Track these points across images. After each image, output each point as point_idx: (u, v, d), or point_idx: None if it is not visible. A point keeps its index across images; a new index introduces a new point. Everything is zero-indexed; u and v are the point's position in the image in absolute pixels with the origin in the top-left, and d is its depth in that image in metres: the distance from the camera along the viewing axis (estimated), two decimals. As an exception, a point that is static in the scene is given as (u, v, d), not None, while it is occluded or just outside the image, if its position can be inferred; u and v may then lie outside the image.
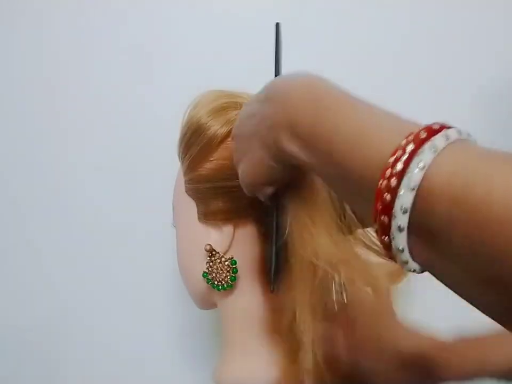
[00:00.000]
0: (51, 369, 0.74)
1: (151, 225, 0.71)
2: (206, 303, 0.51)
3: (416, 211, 0.24)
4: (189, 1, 0.73)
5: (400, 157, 0.24)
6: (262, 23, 0.72)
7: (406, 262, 0.26)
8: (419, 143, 0.24)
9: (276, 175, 0.37)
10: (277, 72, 0.43)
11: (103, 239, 0.73)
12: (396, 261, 0.26)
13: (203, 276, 0.46)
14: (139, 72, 0.72)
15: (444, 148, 0.24)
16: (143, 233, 0.72)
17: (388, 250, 0.26)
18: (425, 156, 0.23)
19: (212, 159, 0.46)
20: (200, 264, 0.46)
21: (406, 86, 0.70)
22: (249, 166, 0.37)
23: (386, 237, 0.25)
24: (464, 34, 0.71)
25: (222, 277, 0.45)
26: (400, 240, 0.25)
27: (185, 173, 0.49)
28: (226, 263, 0.45)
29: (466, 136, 0.25)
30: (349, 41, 0.72)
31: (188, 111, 0.49)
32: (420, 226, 0.24)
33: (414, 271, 0.26)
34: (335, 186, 0.31)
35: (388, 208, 0.24)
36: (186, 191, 0.49)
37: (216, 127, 0.45)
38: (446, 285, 0.25)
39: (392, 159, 0.24)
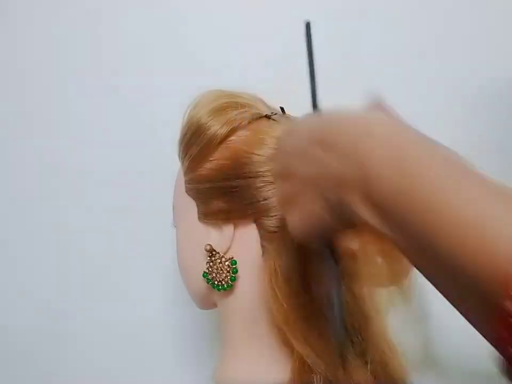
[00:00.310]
0: (50, 369, 0.73)
1: (151, 225, 0.71)
2: (206, 303, 0.51)
3: None
4: (189, 1, 0.73)
5: None
6: (262, 23, 0.72)
7: None
8: None
9: (332, 231, 0.32)
10: (312, 76, 0.38)
11: (103, 238, 0.73)
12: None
13: (203, 276, 0.46)
14: (139, 71, 0.72)
15: None
16: (143, 233, 0.72)
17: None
18: None
19: (212, 159, 0.46)
20: (200, 264, 0.46)
21: (405, 86, 0.70)
22: (301, 217, 0.32)
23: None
24: (464, 34, 0.71)
25: (222, 277, 0.45)
26: None
27: (186, 173, 0.49)
28: (226, 263, 0.45)
29: None
30: (348, 40, 0.72)
31: (188, 111, 0.49)
32: None
33: None
34: (427, 271, 0.25)
35: None
36: (186, 191, 0.49)
37: (216, 127, 0.45)
38: None
39: None
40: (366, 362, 0.43)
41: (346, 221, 0.29)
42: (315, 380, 0.41)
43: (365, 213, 0.26)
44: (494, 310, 0.19)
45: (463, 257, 0.20)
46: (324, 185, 0.29)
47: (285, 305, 0.42)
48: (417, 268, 0.25)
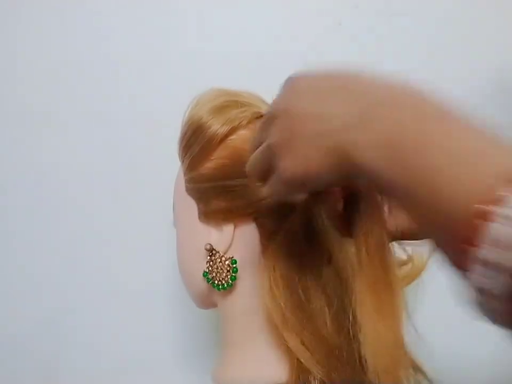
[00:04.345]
0: (50, 370, 0.73)
1: (151, 225, 0.71)
2: (206, 303, 0.51)
3: None
4: (189, 1, 0.73)
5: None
6: (262, 23, 0.73)
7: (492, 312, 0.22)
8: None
9: (324, 182, 0.32)
10: None
11: (103, 239, 0.73)
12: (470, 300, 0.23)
13: (203, 275, 0.46)
14: (139, 71, 0.72)
15: None
16: (143, 233, 0.72)
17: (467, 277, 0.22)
18: None
19: (212, 158, 0.46)
20: (201, 263, 0.46)
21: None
22: (294, 161, 0.31)
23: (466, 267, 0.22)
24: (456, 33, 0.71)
25: (222, 277, 0.45)
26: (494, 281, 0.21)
27: (186, 172, 0.48)
28: (226, 262, 0.45)
29: None
30: (346, 38, 0.72)
31: (188, 110, 0.49)
32: None
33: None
34: (409, 204, 0.26)
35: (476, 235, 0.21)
36: (186, 191, 0.48)
37: (217, 126, 0.45)
38: None
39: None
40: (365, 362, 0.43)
41: (340, 171, 0.29)
42: (312, 380, 0.41)
43: (371, 154, 0.26)
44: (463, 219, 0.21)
45: (452, 182, 0.23)
46: (334, 128, 0.29)
47: (282, 305, 0.42)
48: (399, 201, 0.27)
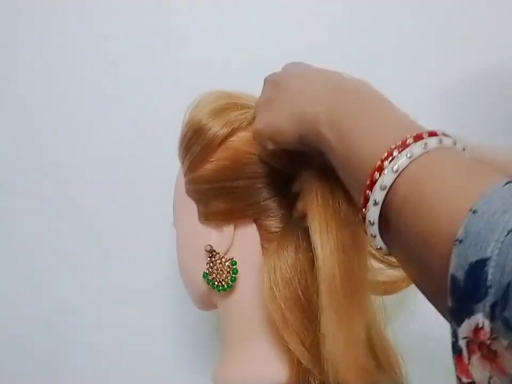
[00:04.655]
0: (50, 370, 0.73)
1: (151, 225, 0.71)
2: (206, 304, 0.51)
3: (389, 192, 0.29)
4: (189, 1, 0.73)
5: (396, 148, 0.29)
6: (263, 23, 0.73)
7: (374, 236, 0.31)
8: (416, 139, 0.29)
9: (286, 143, 0.39)
10: None
11: (103, 239, 0.73)
12: (367, 234, 0.31)
13: (203, 276, 0.46)
14: (139, 72, 0.72)
15: (426, 152, 0.29)
16: (143, 233, 0.72)
17: (364, 222, 0.31)
18: (414, 150, 0.28)
19: (212, 159, 0.46)
20: (201, 264, 0.46)
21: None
22: (269, 119, 0.40)
23: (364, 209, 0.30)
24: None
25: (222, 278, 0.45)
26: (373, 214, 0.30)
27: (186, 174, 0.49)
28: (226, 263, 0.45)
29: (450, 144, 0.30)
30: (345, 39, 0.72)
31: (189, 111, 0.49)
32: (387, 206, 0.29)
33: (380, 248, 0.31)
34: (339, 166, 0.35)
35: (372, 184, 0.29)
36: (186, 192, 0.49)
37: (217, 128, 0.45)
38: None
39: (392, 148, 0.29)
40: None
41: (300, 138, 0.37)
42: (312, 381, 0.41)
43: (323, 120, 0.34)
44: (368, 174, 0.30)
45: (364, 145, 0.32)
46: (301, 100, 0.37)
47: (282, 305, 0.42)
48: (334, 164, 0.35)
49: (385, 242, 0.31)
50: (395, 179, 0.28)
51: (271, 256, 0.44)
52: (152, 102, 0.72)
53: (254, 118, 0.45)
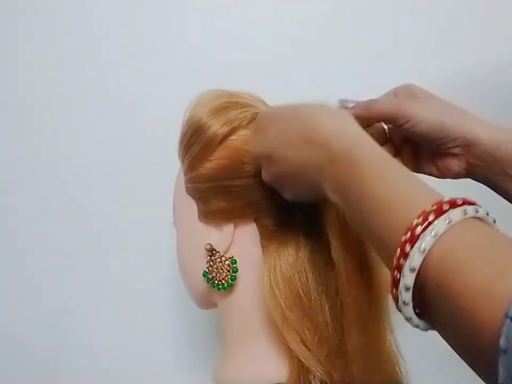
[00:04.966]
0: (50, 370, 0.73)
1: (151, 225, 0.71)
2: (206, 303, 0.51)
3: (419, 275, 0.27)
4: (189, 1, 0.73)
5: (421, 223, 0.27)
6: (263, 23, 0.73)
7: (410, 318, 0.28)
8: (438, 214, 0.27)
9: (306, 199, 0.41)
10: None
11: (103, 239, 0.73)
12: (402, 314, 0.29)
13: (203, 275, 0.46)
14: (139, 71, 0.72)
15: (452, 225, 0.27)
16: (143, 233, 0.72)
17: (396, 302, 0.28)
18: (439, 227, 0.27)
19: (212, 158, 0.46)
20: (201, 263, 0.46)
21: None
22: (287, 189, 0.41)
23: (395, 290, 0.28)
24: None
25: (222, 277, 0.45)
26: (406, 296, 0.27)
27: (186, 173, 0.49)
28: (226, 262, 0.45)
29: (483, 215, 0.28)
30: (345, 39, 0.72)
31: (188, 110, 0.49)
32: (421, 288, 0.27)
33: (417, 326, 0.29)
34: (361, 234, 0.35)
35: (400, 267, 0.27)
36: (186, 191, 0.49)
37: (217, 127, 0.45)
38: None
39: (415, 223, 0.27)
40: (362, 363, 0.43)
41: (317, 196, 0.38)
42: (312, 380, 0.41)
43: (331, 193, 0.35)
44: (393, 249, 0.28)
45: (381, 223, 0.30)
46: (305, 169, 0.37)
47: (282, 304, 0.42)
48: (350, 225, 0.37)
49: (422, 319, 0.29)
50: (422, 262, 0.27)
51: (271, 254, 0.44)
52: (152, 102, 0.72)
53: (254, 116, 0.46)
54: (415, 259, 0.26)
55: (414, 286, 0.27)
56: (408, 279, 0.27)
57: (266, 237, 0.45)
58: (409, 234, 0.27)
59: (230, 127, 0.45)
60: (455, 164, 0.42)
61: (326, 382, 0.41)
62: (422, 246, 0.26)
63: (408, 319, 0.28)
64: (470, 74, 0.71)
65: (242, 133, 0.46)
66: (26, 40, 0.73)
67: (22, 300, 0.73)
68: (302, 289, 0.43)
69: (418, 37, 0.72)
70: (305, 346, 0.42)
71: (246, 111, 0.46)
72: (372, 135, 0.36)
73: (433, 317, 0.28)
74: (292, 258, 0.43)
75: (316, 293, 0.43)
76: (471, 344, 0.25)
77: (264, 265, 0.44)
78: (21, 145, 0.74)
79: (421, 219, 0.27)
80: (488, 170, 0.41)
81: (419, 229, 0.27)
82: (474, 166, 0.41)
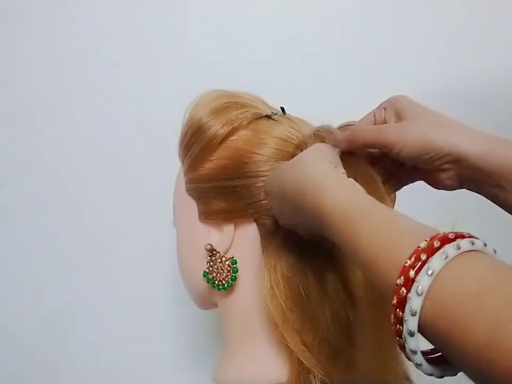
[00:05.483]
0: (50, 370, 0.73)
1: (151, 225, 0.71)
2: (206, 303, 0.51)
3: (423, 316, 0.25)
4: (189, 1, 0.73)
5: (413, 264, 0.26)
6: (263, 23, 0.73)
7: (420, 364, 0.27)
8: (431, 252, 0.26)
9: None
10: None
11: (103, 239, 0.73)
12: (412, 362, 0.27)
13: (203, 275, 0.46)
14: (139, 71, 0.72)
15: (449, 261, 0.25)
16: (143, 233, 0.72)
17: (403, 350, 0.27)
18: (434, 265, 0.25)
19: (212, 158, 0.46)
20: (201, 263, 0.46)
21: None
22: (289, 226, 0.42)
23: (400, 339, 0.27)
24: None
25: (223, 277, 0.45)
26: (412, 343, 0.26)
27: (186, 173, 0.49)
28: (227, 262, 0.45)
29: (481, 247, 0.27)
30: (342, 40, 0.72)
31: (189, 111, 0.49)
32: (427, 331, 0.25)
33: (432, 375, 0.27)
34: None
35: (399, 319, 0.26)
36: (187, 191, 0.48)
37: (217, 127, 0.45)
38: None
39: (408, 265, 0.26)
40: (362, 363, 0.43)
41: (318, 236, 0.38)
42: (312, 380, 0.41)
43: (329, 235, 0.34)
44: (390, 290, 0.27)
45: (377, 264, 0.29)
46: (302, 221, 0.39)
47: (283, 304, 0.42)
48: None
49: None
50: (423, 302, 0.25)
51: (271, 255, 0.44)
52: (152, 102, 0.72)
53: (255, 116, 0.46)
54: (414, 303, 0.25)
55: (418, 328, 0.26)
56: (411, 323, 0.25)
57: (267, 237, 0.45)
58: (403, 280, 0.26)
59: (231, 128, 0.45)
60: (447, 179, 0.42)
61: (326, 383, 0.41)
62: (419, 288, 0.25)
63: (419, 366, 0.27)
64: (473, 80, 0.71)
65: (243, 133, 0.46)
66: (26, 40, 0.73)
67: (22, 300, 0.73)
68: (303, 289, 0.43)
69: (421, 42, 0.72)
70: (306, 347, 0.42)
71: (246, 111, 0.46)
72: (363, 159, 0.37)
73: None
74: (293, 258, 0.43)
75: (316, 293, 0.43)
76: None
77: (264, 266, 0.44)
78: (21, 145, 0.74)
79: (413, 259, 0.26)
80: (482, 183, 0.39)
81: (412, 272, 0.26)
82: (467, 179, 0.40)
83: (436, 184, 0.43)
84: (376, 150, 0.43)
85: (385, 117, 0.43)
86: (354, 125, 0.46)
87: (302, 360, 0.41)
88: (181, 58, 0.72)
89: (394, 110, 0.43)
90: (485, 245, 0.27)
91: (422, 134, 0.39)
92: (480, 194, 0.41)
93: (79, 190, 0.73)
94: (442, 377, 0.27)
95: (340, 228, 0.32)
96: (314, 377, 0.41)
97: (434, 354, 0.28)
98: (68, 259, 0.73)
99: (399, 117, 0.42)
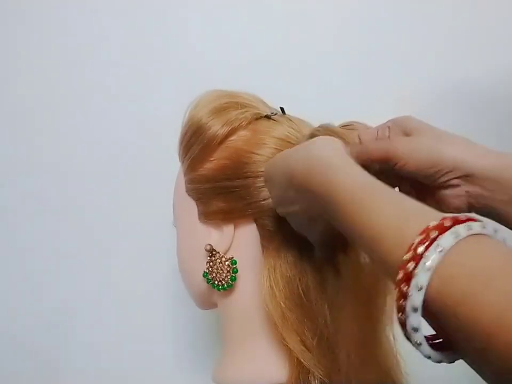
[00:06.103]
0: (50, 370, 0.73)
1: (151, 225, 0.71)
2: (206, 303, 0.51)
3: (428, 291, 0.25)
4: (189, 1, 0.73)
5: (423, 241, 0.26)
6: (263, 23, 0.73)
7: (420, 344, 0.26)
8: (442, 231, 0.26)
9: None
10: None
11: (103, 239, 0.73)
12: (411, 342, 0.27)
13: (203, 275, 0.46)
14: (139, 71, 0.72)
15: (458, 241, 0.25)
16: (143, 233, 0.72)
17: (404, 328, 0.26)
18: (445, 242, 0.25)
19: (212, 159, 0.46)
20: (201, 264, 0.46)
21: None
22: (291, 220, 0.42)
23: (402, 315, 0.26)
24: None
25: (222, 277, 0.45)
26: (414, 320, 0.26)
27: (186, 173, 0.49)
28: (226, 263, 0.45)
29: (491, 232, 0.26)
30: (342, 40, 0.72)
31: (189, 111, 0.49)
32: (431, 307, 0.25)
33: (429, 357, 0.27)
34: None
35: (404, 293, 0.26)
36: (186, 191, 0.49)
37: (217, 127, 0.45)
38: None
39: (416, 242, 0.26)
40: (362, 363, 0.43)
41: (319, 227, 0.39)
42: (312, 380, 0.41)
43: (335, 222, 0.34)
44: (395, 269, 0.26)
45: (383, 242, 0.29)
46: (305, 205, 0.38)
47: (282, 304, 0.42)
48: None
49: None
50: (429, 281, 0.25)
51: (271, 255, 0.44)
52: (152, 102, 0.72)
53: (255, 117, 0.46)
54: (420, 278, 0.25)
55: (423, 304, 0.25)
56: (416, 298, 0.25)
57: (266, 238, 0.45)
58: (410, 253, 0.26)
59: (230, 128, 0.45)
60: (455, 197, 0.40)
61: (326, 382, 0.41)
62: (428, 264, 0.25)
63: (418, 345, 0.26)
64: (473, 80, 0.71)
65: (242, 134, 0.46)
66: (26, 40, 0.73)
67: (22, 300, 0.73)
68: (302, 290, 0.43)
69: (421, 42, 0.71)
70: (305, 347, 0.42)
71: (246, 111, 0.46)
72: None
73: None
74: (292, 258, 0.43)
75: (316, 294, 0.43)
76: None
77: (264, 266, 0.44)
78: (21, 145, 0.74)
79: (423, 236, 0.26)
80: (494, 200, 0.38)
81: (421, 248, 0.25)
82: (477, 197, 0.39)
83: (442, 203, 0.41)
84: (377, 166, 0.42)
85: (389, 136, 0.42)
86: (355, 124, 0.46)
87: (302, 360, 0.41)
88: (181, 58, 0.72)
89: (401, 127, 0.42)
90: (495, 231, 0.27)
91: (431, 147, 0.39)
92: (491, 218, 0.39)
93: (79, 190, 0.73)
94: (439, 362, 0.27)
95: (348, 206, 0.32)
96: (314, 377, 0.41)
97: (434, 340, 0.27)
98: (67, 259, 0.73)
99: (405, 134, 0.41)
